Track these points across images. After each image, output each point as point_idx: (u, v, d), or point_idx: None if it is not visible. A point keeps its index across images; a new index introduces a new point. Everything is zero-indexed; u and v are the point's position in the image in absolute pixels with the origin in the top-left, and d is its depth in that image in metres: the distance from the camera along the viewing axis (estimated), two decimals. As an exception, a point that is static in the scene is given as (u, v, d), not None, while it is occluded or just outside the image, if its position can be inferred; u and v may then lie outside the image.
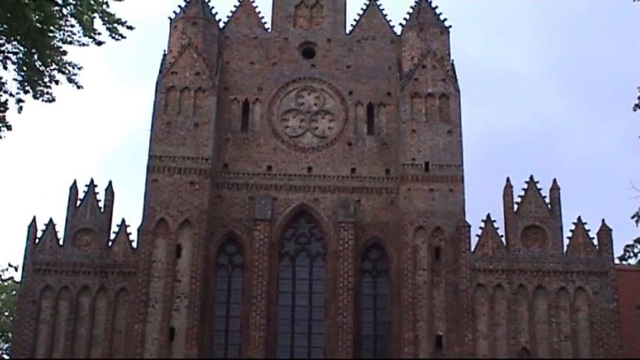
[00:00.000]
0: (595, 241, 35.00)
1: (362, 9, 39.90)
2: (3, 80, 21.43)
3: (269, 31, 39.44)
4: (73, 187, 35.92)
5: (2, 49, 20.64)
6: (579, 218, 35.38)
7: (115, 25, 21.32)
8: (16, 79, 21.26)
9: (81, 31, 21.06)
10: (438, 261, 34.42)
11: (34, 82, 21.18)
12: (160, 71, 37.18)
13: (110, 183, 36.25)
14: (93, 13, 20.89)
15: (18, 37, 20.14)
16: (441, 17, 38.45)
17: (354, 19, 39.72)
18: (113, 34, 21.47)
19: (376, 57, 38.82)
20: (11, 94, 21.56)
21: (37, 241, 35.10)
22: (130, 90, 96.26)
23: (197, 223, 34.51)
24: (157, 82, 36.86)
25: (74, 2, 20.57)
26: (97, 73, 78.76)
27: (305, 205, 36.31)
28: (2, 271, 52.26)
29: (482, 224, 35.14)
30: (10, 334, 44.39)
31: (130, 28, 21.72)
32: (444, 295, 33.90)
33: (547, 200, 35.53)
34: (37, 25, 20.05)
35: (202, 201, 34.88)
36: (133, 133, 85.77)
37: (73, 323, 34.08)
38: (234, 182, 36.47)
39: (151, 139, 35.84)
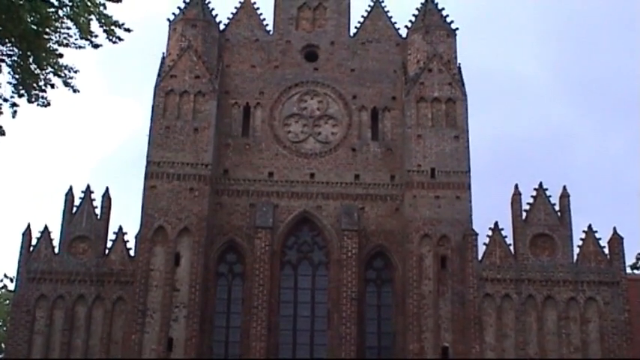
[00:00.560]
0: (606, 250, 34.96)
1: (366, 11, 39.96)
2: (-3, 84, 21.48)
3: (271, 33, 39.50)
4: (69, 194, 35.92)
5: (-4, 51, 20.69)
6: (590, 226, 35.36)
7: (113, 27, 21.34)
8: (10, 83, 21.25)
9: (77, 34, 21.07)
10: (444, 270, 34.40)
11: (28, 85, 21.17)
12: (159, 74, 37.23)
13: (107, 189, 36.30)
14: (90, 14, 20.90)
15: (12, 39, 20.15)
16: (448, 20, 38.50)
17: (359, 22, 39.77)
18: (110, 37, 21.48)
19: (381, 60, 38.87)
20: (5, 99, 21.57)
21: (31, 248, 35.07)
22: (128, 94, 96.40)
23: (196, 230, 34.52)
24: (155, 86, 36.90)
25: (70, 4, 20.58)
26: (94, 76, 78.90)
27: (307, 213, 36.31)
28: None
29: (490, 232, 35.12)
30: (3, 345, 44.41)
31: (128, 30, 21.74)
32: (450, 305, 33.87)
33: (556, 208, 35.50)
34: (33, 26, 20.05)
35: (202, 208, 34.89)
36: (130, 138, 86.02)
37: (68, 334, 34.03)
38: (234, 189, 36.48)
39: (149, 145, 35.88)
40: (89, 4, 20.69)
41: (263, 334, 33.70)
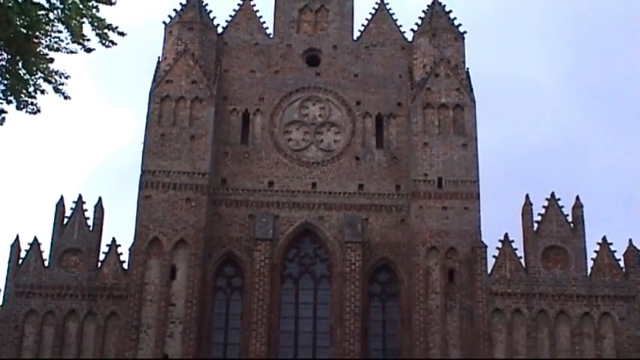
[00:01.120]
0: (621, 263, 34.97)
1: (370, 13, 39.96)
2: (-16, 90, 21.39)
3: (271, 36, 39.49)
4: (60, 204, 35.89)
5: (-17, 56, 20.62)
6: (604, 238, 35.31)
7: (106, 30, 21.26)
8: (-2, 88, 21.21)
9: (69, 37, 20.97)
10: (451, 284, 34.33)
11: (17, 91, 21.06)
12: (154, 80, 37.24)
13: (100, 199, 36.27)
14: (82, 17, 20.80)
15: (1, 43, 20.09)
16: (456, 22, 38.51)
17: (362, 24, 39.77)
18: (103, 41, 21.38)
19: (386, 65, 38.85)
20: (-8, 107, 21.50)
21: (20, 261, 35.04)
22: (123, 100, 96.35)
23: (193, 242, 34.45)
24: (150, 92, 36.90)
25: (62, 6, 20.50)
26: (85, 82, 78.87)
27: (309, 224, 36.23)
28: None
29: (500, 244, 35.09)
30: (-9, 362, 44.30)
31: (122, 34, 21.64)
32: (458, 320, 33.79)
33: (569, 219, 35.49)
34: (22, 30, 19.98)
35: (199, 219, 34.82)
36: (124, 147, 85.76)
37: (58, 350, 33.94)
38: (233, 199, 36.42)
39: (143, 153, 35.86)
40: (81, 6, 20.59)
41: (263, 351, 33.59)
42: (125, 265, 34.98)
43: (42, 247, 35.28)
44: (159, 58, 38.06)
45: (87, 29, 21.09)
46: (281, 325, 34.98)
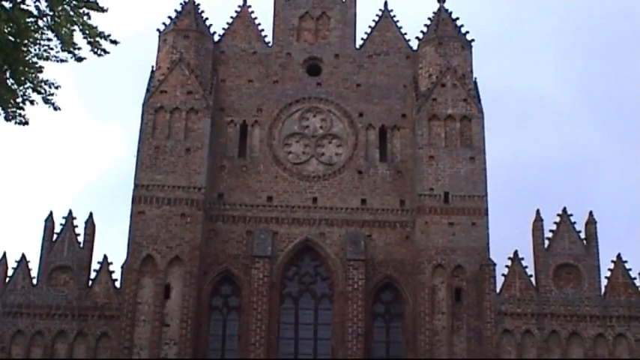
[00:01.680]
0: (637, 282, 34.95)
1: (374, 21, 40.02)
2: (-30, 100, 21.38)
3: (270, 45, 39.55)
4: (49, 220, 35.87)
5: (-30, 65, 20.61)
6: (619, 256, 35.33)
7: (98, 38, 21.27)
8: (-16, 99, 21.20)
9: (59, 46, 20.96)
10: (458, 304, 34.30)
11: (5, 101, 21.06)
12: (148, 90, 37.27)
13: (91, 215, 36.25)
14: (73, 25, 20.80)
15: (-13, 52, 20.11)
16: (463, 30, 38.57)
17: (365, 32, 39.83)
18: (95, 49, 21.39)
19: (390, 74, 38.89)
20: (-22, 117, 21.49)
21: (7, 280, 35.00)
22: (115, 112, 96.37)
23: (188, 260, 34.42)
24: (143, 102, 36.93)
25: (52, 13, 20.51)
26: (76, 94, 78.93)
27: (309, 241, 36.21)
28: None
29: (509, 262, 35.07)
30: (-24, 385, 44.22)
31: (115, 42, 21.64)
32: (465, 342, 33.74)
33: (582, 235, 35.49)
34: (10, 38, 19.98)
35: (194, 235, 34.81)
36: (116, 160, 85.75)
37: (47, 373, 33.92)
38: (230, 214, 36.41)
39: (136, 166, 35.88)
40: (72, 13, 20.60)
41: (261, 374, 33.55)
42: (117, 284, 34.93)
43: (30, 265, 35.26)
44: (153, 67, 38.10)
45: (78, 37, 21.10)
46: (280, 347, 34.92)
